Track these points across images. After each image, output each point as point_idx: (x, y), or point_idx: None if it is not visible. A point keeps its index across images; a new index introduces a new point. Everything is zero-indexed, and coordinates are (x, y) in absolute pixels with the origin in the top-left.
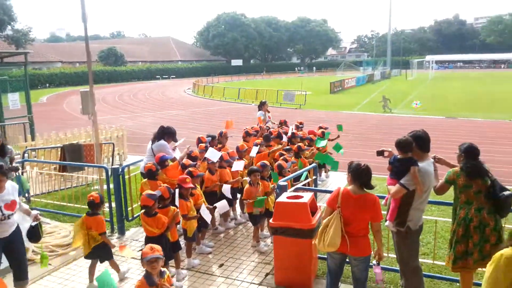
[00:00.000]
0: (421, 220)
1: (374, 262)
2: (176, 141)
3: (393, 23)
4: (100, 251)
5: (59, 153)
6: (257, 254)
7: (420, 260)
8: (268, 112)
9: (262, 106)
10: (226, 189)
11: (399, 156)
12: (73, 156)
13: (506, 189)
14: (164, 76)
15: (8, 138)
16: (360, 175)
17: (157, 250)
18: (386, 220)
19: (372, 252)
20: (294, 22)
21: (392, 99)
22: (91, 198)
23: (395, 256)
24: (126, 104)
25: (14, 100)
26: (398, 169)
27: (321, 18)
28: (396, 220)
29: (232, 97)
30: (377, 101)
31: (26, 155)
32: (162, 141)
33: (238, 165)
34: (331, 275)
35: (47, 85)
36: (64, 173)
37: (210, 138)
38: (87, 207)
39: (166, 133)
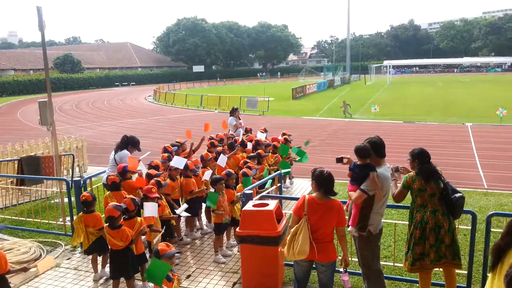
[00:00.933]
0: (381, 224)
1: (341, 269)
2: (139, 150)
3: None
4: (98, 246)
5: (16, 166)
6: (224, 263)
7: (381, 263)
8: (240, 118)
9: (234, 112)
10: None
11: (358, 163)
12: (31, 168)
13: (458, 191)
14: (123, 83)
15: None
16: (324, 182)
17: (172, 246)
18: (348, 226)
19: (338, 258)
20: (255, 27)
21: (352, 104)
22: (84, 197)
23: (357, 260)
24: (84, 113)
25: None
26: (358, 175)
27: (281, 24)
28: (358, 225)
29: (195, 104)
30: (338, 106)
31: None
32: (125, 151)
33: (207, 175)
34: (298, 282)
35: (0, 94)
36: (22, 187)
37: (176, 148)
38: (47, 221)
39: (129, 143)
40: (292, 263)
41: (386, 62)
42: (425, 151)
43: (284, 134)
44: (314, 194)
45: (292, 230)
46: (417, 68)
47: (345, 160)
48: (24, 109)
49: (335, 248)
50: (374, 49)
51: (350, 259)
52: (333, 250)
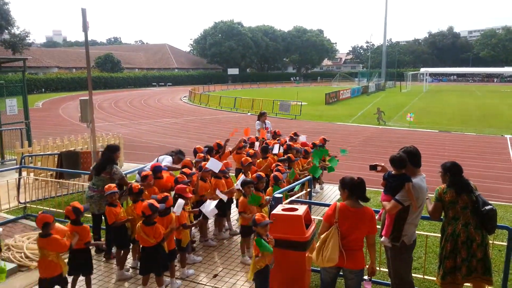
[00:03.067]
0: (415, 235)
1: (366, 277)
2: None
3: (388, 35)
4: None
5: (56, 160)
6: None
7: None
8: (265, 123)
9: (261, 116)
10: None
11: (393, 172)
12: (70, 163)
13: (489, 204)
14: (160, 84)
15: (5, 144)
16: (356, 189)
17: (266, 216)
18: (381, 236)
19: (366, 266)
20: (291, 32)
21: (386, 111)
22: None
23: (387, 270)
24: (122, 111)
25: (11, 105)
26: (392, 185)
27: (317, 28)
28: (391, 235)
29: (228, 106)
30: (372, 113)
31: (23, 161)
32: (168, 157)
33: (239, 179)
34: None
35: (43, 90)
36: (61, 180)
37: (207, 149)
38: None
39: (177, 153)
40: (319, 269)
41: (423, 70)
42: (457, 164)
43: (324, 139)
44: (346, 202)
45: (322, 236)
46: (455, 76)
47: (378, 168)
48: (66, 106)
49: (364, 256)
50: (411, 56)
51: (378, 269)
52: (362, 258)
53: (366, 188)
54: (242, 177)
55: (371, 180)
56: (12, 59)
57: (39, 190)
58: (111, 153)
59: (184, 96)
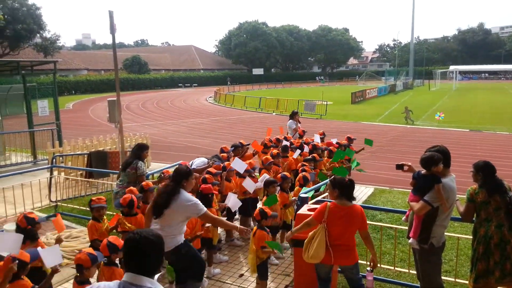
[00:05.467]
0: (444, 237)
1: (368, 268)
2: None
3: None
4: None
5: (86, 159)
6: (277, 266)
7: (442, 277)
8: (299, 122)
9: (293, 116)
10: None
11: (422, 172)
12: (99, 163)
13: None
14: (186, 84)
15: (37, 144)
16: (347, 189)
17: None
18: (408, 237)
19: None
20: (316, 31)
21: (414, 110)
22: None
23: (415, 272)
24: (149, 112)
25: (43, 107)
26: (422, 185)
27: (342, 27)
28: (419, 237)
29: (253, 106)
30: (399, 112)
31: (54, 161)
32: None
33: (262, 178)
34: (324, 282)
35: (73, 92)
36: (90, 179)
37: (233, 148)
38: (111, 213)
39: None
40: (339, 269)
41: (452, 68)
42: (490, 164)
43: (349, 138)
44: (336, 201)
45: (310, 234)
46: (486, 74)
47: (405, 168)
48: (95, 107)
49: (357, 252)
50: (440, 53)
51: (408, 271)
52: (355, 254)
53: (394, 188)
54: (264, 176)
55: (397, 180)
56: (43, 61)
57: (70, 189)
58: (139, 151)
59: (210, 97)
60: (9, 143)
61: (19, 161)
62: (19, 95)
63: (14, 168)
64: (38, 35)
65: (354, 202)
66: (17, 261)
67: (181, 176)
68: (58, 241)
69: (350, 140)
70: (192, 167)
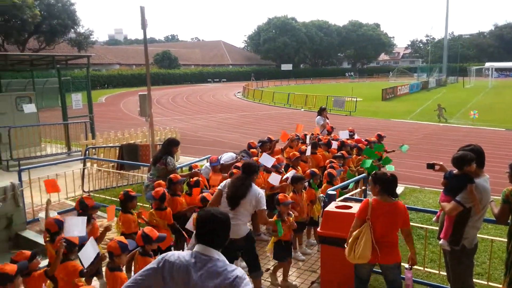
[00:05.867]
0: (476, 238)
1: (407, 266)
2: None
3: (450, 28)
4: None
5: (117, 152)
6: (303, 262)
7: (473, 280)
8: (327, 118)
9: (321, 112)
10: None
11: (455, 172)
12: (130, 155)
13: None
14: (215, 80)
15: (71, 136)
16: (389, 185)
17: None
18: (439, 238)
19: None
20: (346, 26)
21: (448, 108)
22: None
23: (445, 274)
24: (179, 106)
25: (77, 100)
26: (454, 185)
27: (373, 22)
28: (451, 238)
29: (282, 101)
30: (432, 109)
31: (87, 152)
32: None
33: (290, 174)
34: (361, 282)
35: (106, 86)
36: (121, 171)
37: (260, 143)
38: (141, 204)
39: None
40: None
41: (488, 64)
42: None
43: (379, 135)
44: (378, 197)
45: (354, 233)
46: None
47: (436, 167)
48: (127, 100)
49: (399, 250)
50: (475, 50)
51: (438, 272)
52: (398, 252)
53: (424, 188)
54: (291, 172)
55: (429, 180)
56: (77, 56)
57: (102, 180)
58: (169, 146)
59: (238, 92)
60: (44, 135)
61: (54, 152)
62: (54, 89)
63: (50, 158)
64: (72, 30)
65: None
66: (64, 241)
67: (253, 170)
68: (107, 229)
69: (380, 137)
70: (221, 162)
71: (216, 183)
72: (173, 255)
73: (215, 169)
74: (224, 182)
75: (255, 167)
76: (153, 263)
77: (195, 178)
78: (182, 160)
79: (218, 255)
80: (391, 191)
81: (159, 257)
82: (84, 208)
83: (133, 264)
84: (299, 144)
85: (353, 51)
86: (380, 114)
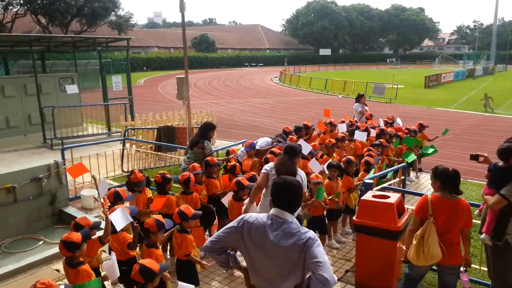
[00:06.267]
0: None
1: (462, 268)
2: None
3: (500, 13)
4: None
5: (155, 134)
6: (337, 250)
7: None
8: (366, 105)
9: (359, 98)
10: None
11: (500, 164)
12: (167, 137)
13: None
14: (252, 64)
15: (111, 117)
16: (450, 181)
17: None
18: (480, 232)
19: None
20: (388, 10)
21: (495, 98)
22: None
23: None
24: (215, 90)
25: (117, 82)
26: (498, 178)
27: (417, 7)
28: (493, 233)
29: (319, 87)
30: (478, 99)
31: (126, 133)
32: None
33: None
34: (412, 283)
35: (145, 68)
36: (159, 153)
37: (295, 129)
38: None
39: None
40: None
41: None
42: None
43: (420, 124)
44: (438, 194)
45: (418, 233)
46: None
47: (481, 159)
48: (165, 83)
49: (461, 251)
50: None
51: (479, 267)
52: (460, 253)
53: (466, 180)
54: (329, 161)
55: (472, 171)
56: (118, 38)
57: (140, 160)
58: (206, 130)
59: (275, 77)
60: (86, 115)
61: (95, 132)
62: (95, 70)
63: (91, 138)
64: (113, 13)
65: (416, 190)
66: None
67: (296, 153)
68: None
69: (422, 126)
70: (256, 147)
71: (247, 168)
72: (251, 216)
73: (250, 154)
74: (269, 164)
75: (299, 150)
76: (233, 222)
77: (232, 163)
78: (218, 143)
79: (292, 218)
80: (453, 187)
81: (239, 217)
82: (131, 185)
83: (172, 241)
84: (331, 128)
85: (395, 36)
86: (422, 102)
